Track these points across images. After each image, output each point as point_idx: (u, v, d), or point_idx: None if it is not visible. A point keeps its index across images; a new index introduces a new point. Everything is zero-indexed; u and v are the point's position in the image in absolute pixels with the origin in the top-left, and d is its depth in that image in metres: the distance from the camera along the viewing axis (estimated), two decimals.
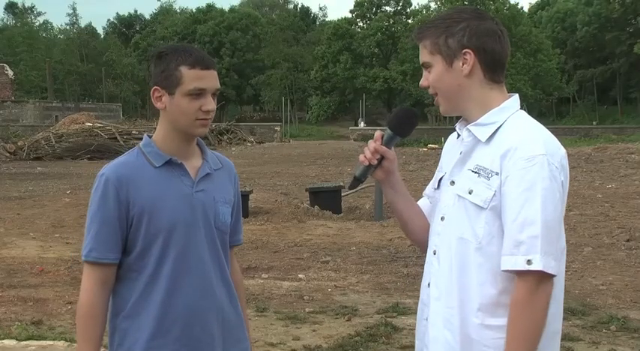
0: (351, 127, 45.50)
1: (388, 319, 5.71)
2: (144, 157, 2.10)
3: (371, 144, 2.00)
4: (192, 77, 2.03)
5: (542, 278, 1.76)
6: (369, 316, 5.92)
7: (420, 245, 2.13)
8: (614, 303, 6.27)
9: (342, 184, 12.69)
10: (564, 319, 6.28)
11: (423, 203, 2.13)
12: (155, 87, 2.09)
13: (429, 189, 2.11)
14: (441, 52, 1.90)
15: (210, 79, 2.07)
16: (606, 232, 9.59)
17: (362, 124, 48.66)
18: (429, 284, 1.97)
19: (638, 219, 10.62)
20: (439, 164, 2.09)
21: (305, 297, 6.57)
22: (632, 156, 20.53)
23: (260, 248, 8.88)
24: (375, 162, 1.99)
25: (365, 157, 1.99)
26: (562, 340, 5.82)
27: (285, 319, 5.83)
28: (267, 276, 7.43)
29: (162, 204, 2.05)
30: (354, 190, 2.08)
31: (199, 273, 2.10)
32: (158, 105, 2.09)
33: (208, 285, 2.11)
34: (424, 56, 1.94)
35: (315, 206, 11.56)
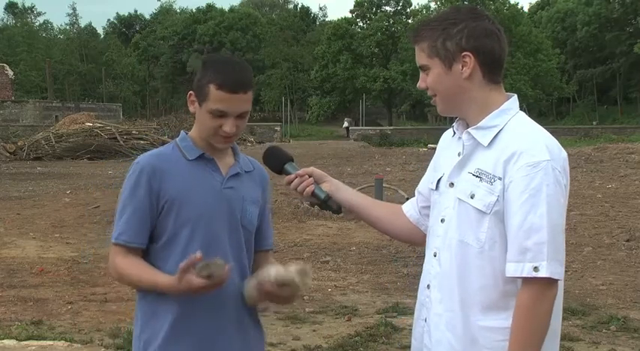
0: (351, 127, 45.51)
1: (388, 319, 5.71)
2: (179, 150, 2.17)
3: (293, 187, 2.13)
4: (216, 98, 2.06)
5: (548, 284, 1.76)
6: (369, 316, 5.92)
7: (392, 235, 2.23)
8: (614, 303, 6.27)
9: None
10: (564, 319, 6.28)
11: (410, 205, 2.17)
12: (191, 92, 2.15)
13: (424, 187, 2.11)
14: (439, 55, 1.88)
15: (234, 103, 2.07)
16: (606, 232, 9.59)
17: (346, 124, 48.79)
18: (428, 286, 1.97)
19: (638, 219, 10.61)
20: (433, 162, 2.09)
21: (305, 297, 6.56)
22: (632, 156, 20.52)
23: None
24: (312, 181, 2.11)
25: (304, 192, 2.11)
26: (562, 340, 5.81)
27: (285, 319, 5.83)
28: None
29: (191, 195, 2.11)
30: (335, 209, 2.22)
31: None
32: (191, 109, 2.16)
33: (228, 281, 2.12)
34: (421, 59, 1.92)
35: (315, 206, 11.54)
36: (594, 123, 49.41)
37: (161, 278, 2.04)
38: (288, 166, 2.15)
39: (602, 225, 10.19)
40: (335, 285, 7.07)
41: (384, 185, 11.79)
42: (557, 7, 64.59)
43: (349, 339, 5.27)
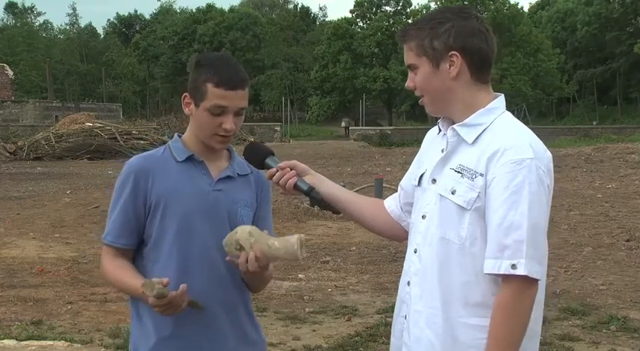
0: (350, 127, 45.49)
1: (388, 319, 5.70)
2: (170, 151, 2.17)
3: (275, 180, 2.11)
4: (215, 95, 2.06)
5: (527, 282, 1.74)
6: (369, 316, 5.92)
7: (378, 232, 2.21)
8: (614, 303, 6.27)
9: (342, 184, 12.69)
10: (564, 319, 6.25)
11: (392, 201, 2.17)
12: (185, 94, 2.16)
13: (407, 183, 2.10)
14: (426, 54, 1.88)
15: (233, 99, 2.08)
16: (606, 232, 9.59)
17: (343, 124, 48.88)
18: (408, 282, 1.97)
19: (638, 219, 10.61)
20: (417, 159, 2.08)
21: (305, 297, 6.57)
22: (632, 156, 20.50)
23: None
24: (294, 173, 2.08)
25: (286, 187, 2.08)
26: (562, 340, 5.78)
27: (285, 319, 5.83)
28: None
29: (177, 196, 2.10)
30: (323, 204, 2.18)
31: (206, 268, 2.10)
32: (186, 111, 2.16)
33: (217, 282, 2.12)
34: (410, 58, 1.92)
35: (315, 206, 11.56)
36: (594, 123, 49.36)
37: (139, 285, 2.03)
38: (269, 160, 2.13)
39: (602, 225, 10.19)
40: (335, 285, 7.07)
41: (384, 185, 11.79)
42: (557, 7, 64.63)
43: (349, 339, 5.27)
